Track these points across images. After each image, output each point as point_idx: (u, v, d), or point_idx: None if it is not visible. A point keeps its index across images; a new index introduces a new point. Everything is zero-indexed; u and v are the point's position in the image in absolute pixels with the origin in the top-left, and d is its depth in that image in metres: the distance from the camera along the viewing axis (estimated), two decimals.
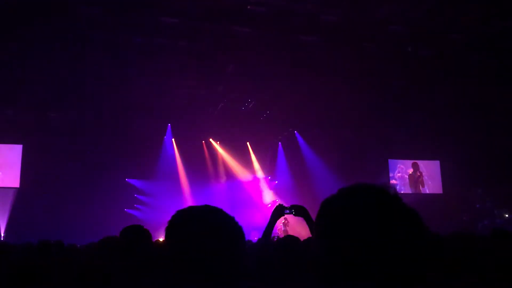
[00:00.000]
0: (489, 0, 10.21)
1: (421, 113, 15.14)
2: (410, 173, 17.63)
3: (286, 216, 3.44)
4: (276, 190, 17.57)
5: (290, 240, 2.85)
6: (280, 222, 15.22)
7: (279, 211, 3.27)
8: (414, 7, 10.61)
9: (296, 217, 3.26)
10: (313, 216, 1.08)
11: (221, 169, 17.64)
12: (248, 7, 10.55)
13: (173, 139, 17.09)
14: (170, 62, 12.65)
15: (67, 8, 10.25)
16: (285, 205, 3.36)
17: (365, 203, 0.94)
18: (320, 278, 0.94)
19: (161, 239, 6.60)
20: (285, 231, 14.76)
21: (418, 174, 17.59)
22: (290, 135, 17.61)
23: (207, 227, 1.17)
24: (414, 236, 0.92)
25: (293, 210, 3.21)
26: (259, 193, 17.74)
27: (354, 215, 0.93)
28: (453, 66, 12.88)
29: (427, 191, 17.53)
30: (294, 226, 14.25)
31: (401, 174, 17.54)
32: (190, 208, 1.26)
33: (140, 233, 2.63)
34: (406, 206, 0.97)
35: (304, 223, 3.01)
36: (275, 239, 4.23)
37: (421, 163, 17.78)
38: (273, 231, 3.24)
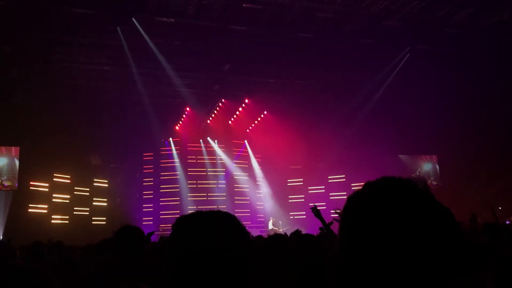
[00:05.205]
0: None
1: (419, 109, 15.07)
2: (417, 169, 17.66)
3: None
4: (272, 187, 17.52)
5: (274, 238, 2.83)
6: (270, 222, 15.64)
7: (316, 210, 4.40)
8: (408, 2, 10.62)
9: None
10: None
11: (220, 167, 17.58)
12: (244, 5, 10.53)
13: (170, 139, 17.02)
14: (167, 61, 12.61)
15: (57, 10, 10.23)
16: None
17: (400, 211, 0.84)
18: None
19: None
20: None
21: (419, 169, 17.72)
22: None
23: (215, 229, 1.16)
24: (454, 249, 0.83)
25: (338, 212, 3.53)
26: (258, 189, 17.71)
27: (390, 226, 0.82)
28: (450, 61, 12.87)
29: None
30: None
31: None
32: (197, 212, 1.24)
33: (134, 234, 2.60)
34: (441, 206, 0.88)
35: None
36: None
37: (419, 158, 17.86)
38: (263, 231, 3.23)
